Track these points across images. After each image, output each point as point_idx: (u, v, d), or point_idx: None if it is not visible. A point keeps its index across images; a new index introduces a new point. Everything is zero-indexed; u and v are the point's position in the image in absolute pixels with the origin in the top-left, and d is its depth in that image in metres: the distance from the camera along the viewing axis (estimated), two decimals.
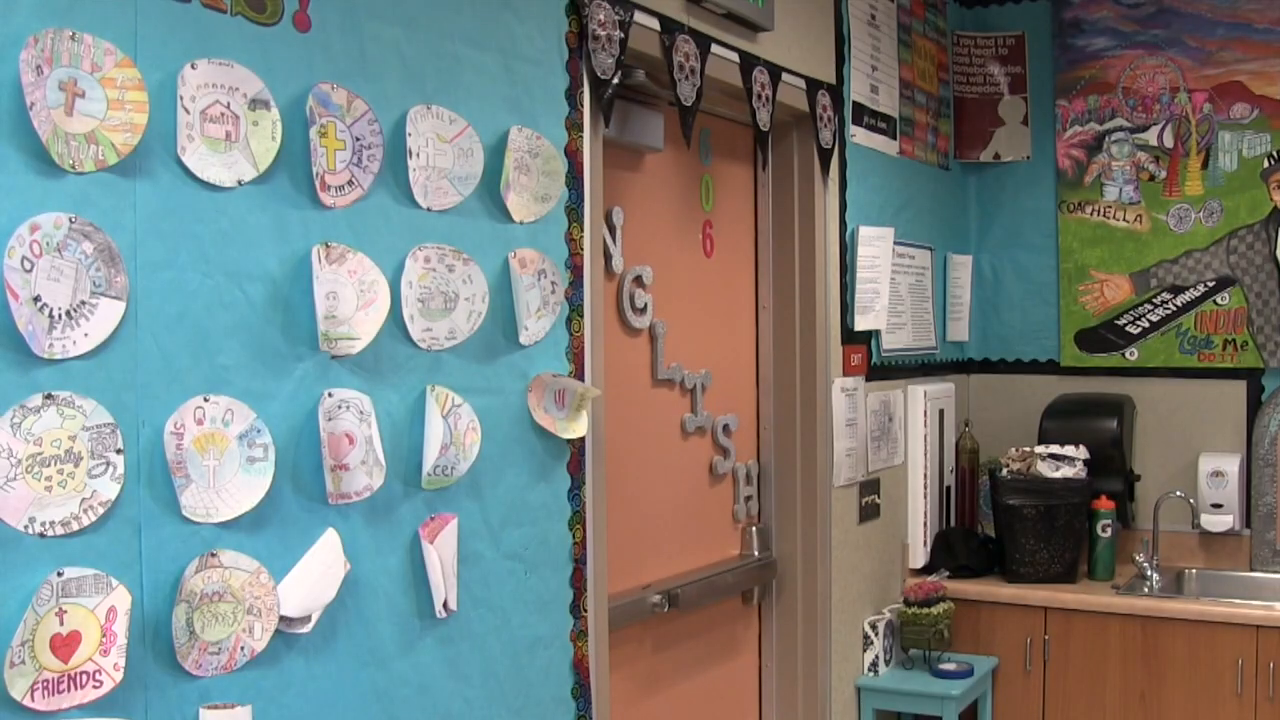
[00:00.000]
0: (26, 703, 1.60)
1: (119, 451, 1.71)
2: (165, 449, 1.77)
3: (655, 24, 2.82)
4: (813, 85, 3.53)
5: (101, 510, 1.69)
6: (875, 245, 3.88)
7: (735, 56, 3.15)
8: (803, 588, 3.62)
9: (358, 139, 2.07)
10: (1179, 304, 4.38)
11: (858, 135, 3.85)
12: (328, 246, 2.01)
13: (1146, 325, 4.43)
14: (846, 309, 3.78)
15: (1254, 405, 4.26)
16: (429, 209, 2.22)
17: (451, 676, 2.27)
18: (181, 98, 1.80)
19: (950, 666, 3.86)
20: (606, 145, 2.75)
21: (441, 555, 2.21)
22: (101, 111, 1.69)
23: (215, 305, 1.85)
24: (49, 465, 1.63)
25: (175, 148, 1.79)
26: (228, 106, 1.86)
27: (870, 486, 3.93)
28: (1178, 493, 4.20)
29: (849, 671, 3.81)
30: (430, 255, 2.21)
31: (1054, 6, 4.55)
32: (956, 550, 4.20)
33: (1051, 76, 4.57)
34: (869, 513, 3.93)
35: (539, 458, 2.47)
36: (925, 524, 4.20)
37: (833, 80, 3.68)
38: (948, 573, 4.09)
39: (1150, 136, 4.42)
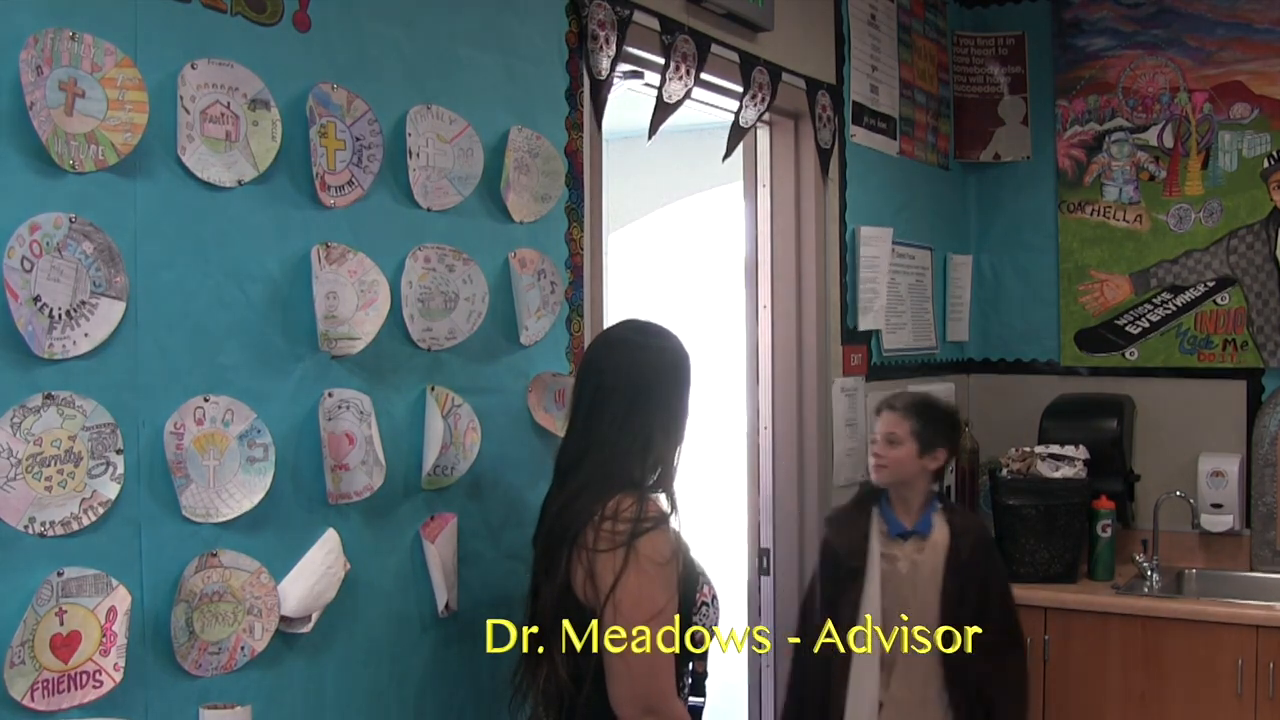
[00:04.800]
0: (26, 703, 1.60)
1: (119, 451, 1.71)
2: (165, 449, 1.77)
3: (655, 24, 2.82)
4: (812, 85, 3.52)
5: (101, 510, 1.69)
6: (875, 245, 3.88)
7: (735, 56, 3.14)
8: (803, 588, 3.61)
9: (358, 139, 2.07)
10: (1179, 304, 4.37)
11: (858, 135, 3.85)
12: (328, 246, 2.01)
13: (1146, 325, 4.42)
14: (846, 309, 3.78)
15: (1254, 405, 4.26)
16: (429, 209, 2.22)
17: (452, 676, 2.27)
18: (181, 98, 1.80)
19: None
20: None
21: (442, 555, 2.20)
22: (101, 111, 1.69)
23: (215, 305, 1.85)
24: (49, 465, 1.63)
25: (175, 148, 1.79)
26: (228, 106, 1.86)
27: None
28: (1178, 493, 4.19)
29: None
30: (430, 255, 2.21)
31: (1054, 6, 4.55)
32: None
33: (1051, 76, 4.56)
34: None
35: (539, 458, 2.46)
36: None
37: (833, 80, 3.68)
38: None
39: (1150, 136, 4.42)
